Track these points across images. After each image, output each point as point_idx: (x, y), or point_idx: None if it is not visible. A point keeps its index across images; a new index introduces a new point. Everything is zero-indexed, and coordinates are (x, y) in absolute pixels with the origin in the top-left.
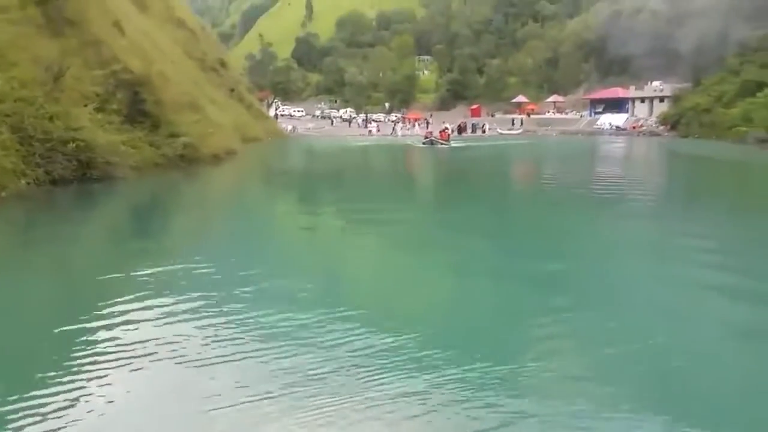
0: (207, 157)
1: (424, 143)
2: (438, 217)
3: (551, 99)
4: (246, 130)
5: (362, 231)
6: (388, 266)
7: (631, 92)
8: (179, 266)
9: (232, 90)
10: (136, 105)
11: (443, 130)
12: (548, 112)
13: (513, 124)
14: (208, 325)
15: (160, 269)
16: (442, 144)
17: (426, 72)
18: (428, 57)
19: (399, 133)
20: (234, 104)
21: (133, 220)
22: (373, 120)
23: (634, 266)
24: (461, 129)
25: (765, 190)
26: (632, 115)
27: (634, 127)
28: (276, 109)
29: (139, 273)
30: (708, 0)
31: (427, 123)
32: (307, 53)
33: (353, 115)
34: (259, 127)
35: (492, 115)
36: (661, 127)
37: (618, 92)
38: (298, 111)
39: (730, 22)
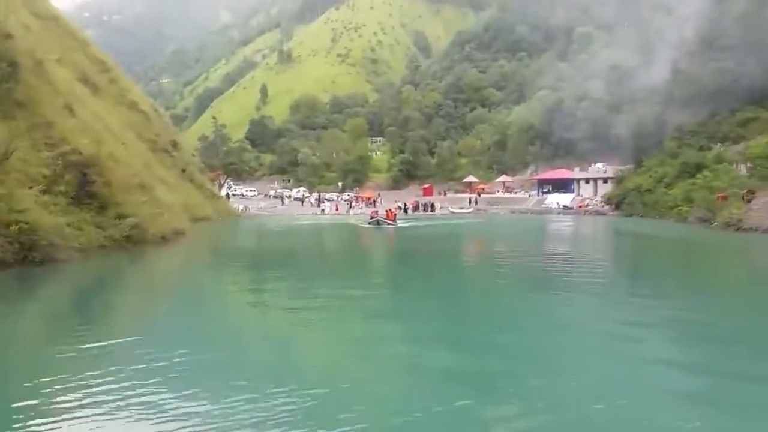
0: (154, 238)
1: (369, 223)
2: (381, 296)
3: (500, 179)
4: (196, 210)
5: (305, 311)
6: (329, 345)
7: (576, 173)
8: (114, 349)
9: (183, 170)
10: (84, 186)
11: (389, 210)
12: (498, 191)
13: (470, 203)
14: (138, 407)
15: (91, 351)
16: (388, 224)
17: (378, 153)
18: (381, 138)
19: (352, 211)
20: (184, 184)
21: (71, 304)
22: (326, 199)
23: (574, 342)
24: (415, 207)
25: (705, 267)
26: (578, 194)
27: (580, 207)
28: (228, 189)
29: (68, 355)
30: (645, 87)
31: (374, 202)
32: (261, 134)
33: (306, 194)
34: (210, 207)
35: (443, 194)
36: (606, 207)
37: (564, 173)
38: (251, 191)
39: (667, 108)
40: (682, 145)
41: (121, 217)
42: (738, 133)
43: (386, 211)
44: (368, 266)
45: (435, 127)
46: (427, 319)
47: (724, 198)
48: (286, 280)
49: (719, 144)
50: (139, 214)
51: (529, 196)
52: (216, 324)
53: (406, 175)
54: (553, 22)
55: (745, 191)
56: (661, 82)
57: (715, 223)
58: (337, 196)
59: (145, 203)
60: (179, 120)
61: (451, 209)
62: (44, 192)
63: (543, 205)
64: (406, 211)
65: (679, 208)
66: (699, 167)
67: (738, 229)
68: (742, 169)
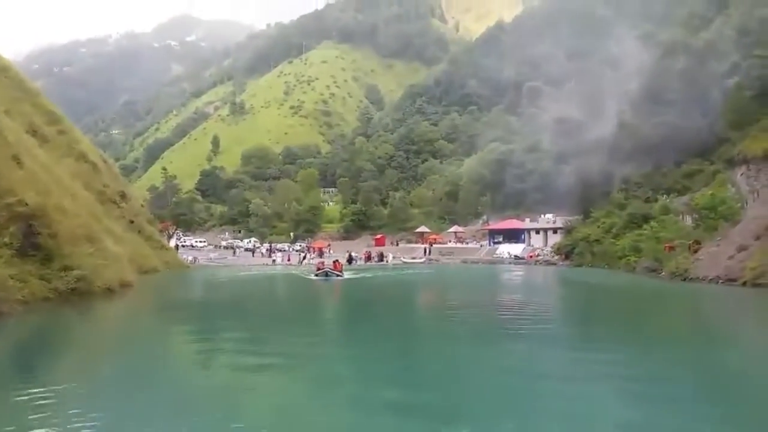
0: (101, 291)
1: (317, 275)
2: (326, 351)
3: (452, 229)
4: (144, 261)
5: (251, 362)
6: (272, 400)
7: (527, 224)
8: (52, 406)
9: (132, 221)
10: (30, 238)
11: (336, 261)
12: (450, 241)
13: (424, 252)
14: None
15: (29, 404)
16: (336, 275)
17: (331, 203)
18: (333, 189)
19: (305, 262)
20: (132, 236)
21: (8, 359)
22: (278, 249)
23: (508, 387)
24: (367, 257)
25: (651, 317)
26: (529, 245)
27: (531, 257)
28: (177, 240)
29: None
30: (592, 140)
31: (322, 253)
32: (212, 185)
33: (257, 245)
34: (158, 259)
35: (396, 245)
36: (557, 257)
37: (514, 224)
38: (201, 241)
39: (613, 160)
40: (629, 196)
41: (66, 269)
42: (683, 184)
43: (334, 262)
44: (314, 319)
45: (387, 177)
46: (373, 366)
47: (671, 248)
48: (231, 333)
49: (665, 195)
50: (86, 266)
51: (481, 246)
52: (163, 380)
53: (359, 225)
54: (502, 76)
55: (691, 242)
56: (607, 134)
57: (663, 273)
58: (289, 247)
59: (91, 255)
60: (129, 171)
61: (404, 259)
62: None
63: (494, 255)
64: (350, 261)
65: (628, 258)
66: (646, 218)
67: (685, 279)
68: (688, 220)
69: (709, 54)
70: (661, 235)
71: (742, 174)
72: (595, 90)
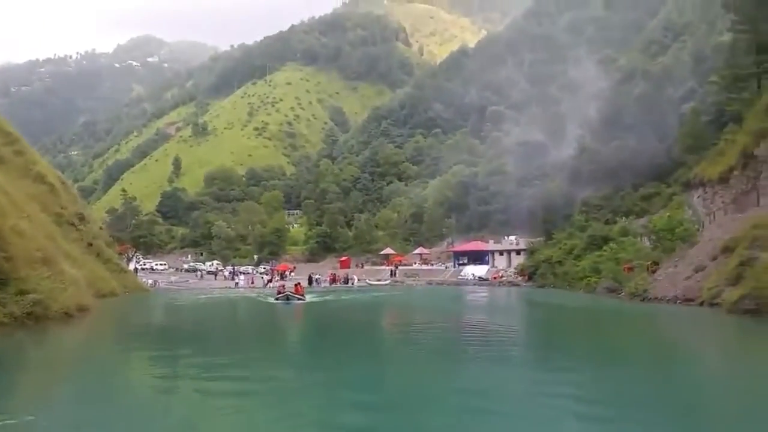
0: (58, 315)
1: (277, 299)
2: (288, 373)
3: (417, 251)
4: (102, 285)
5: (211, 388)
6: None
7: (491, 245)
8: None
9: (90, 244)
10: None
11: (298, 284)
12: (415, 263)
13: (391, 274)
14: None
15: None
16: (298, 299)
17: (295, 225)
18: (298, 211)
19: (269, 285)
20: (91, 259)
21: None
22: (241, 272)
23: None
24: (333, 280)
25: (610, 337)
26: (493, 266)
27: (495, 278)
28: (137, 263)
29: None
30: (553, 163)
31: (282, 276)
32: (173, 207)
33: (220, 267)
34: (117, 282)
35: (361, 267)
36: (520, 278)
37: (479, 245)
38: (161, 264)
39: (574, 183)
40: (590, 218)
41: (22, 293)
42: (641, 207)
43: (295, 285)
44: (274, 344)
45: (352, 199)
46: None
47: (630, 269)
48: (190, 359)
49: (624, 218)
50: (42, 290)
51: (446, 267)
52: (119, 408)
53: (324, 247)
54: (466, 100)
55: (649, 263)
56: (568, 157)
57: (622, 294)
58: (253, 270)
59: (48, 278)
60: (88, 193)
61: (369, 281)
62: None
63: (459, 277)
64: (310, 283)
65: (588, 279)
66: (606, 240)
67: (644, 299)
68: (646, 242)
69: (666, 80)
70: (621, 256)
71: (698, 197)
72: (556, 114)
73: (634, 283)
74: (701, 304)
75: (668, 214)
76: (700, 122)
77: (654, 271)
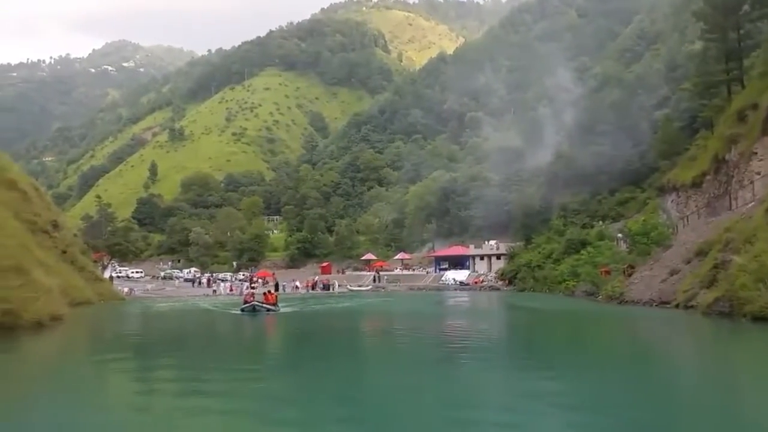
0: (29, 324)
1: (243, 309)
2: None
3: (399, 256)
4: (76, 293)
5: (191, 401)
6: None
7: (471, 250)
8: None
9: (64, 252)
10: None
11: (267, 293)
12: (396, 268)
13: (374, 280)
14: None
15: None
16: (268, 309)
17: (275, 231)
18: (277, 217)
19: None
20: (65, 267)
21: None
22: (220, 279)
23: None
24: (313, 286)
25: (587, 339)
26: (474, 271)
27: (476, 282)
28: (112, 271)
29: None
30: (531, 168)
31: (251, 282)
32: (149, 213)
33: (197, 274)
34: (91, 290)
35: (342, 272)
36: (500, 282)
37: (460, 250)
38: (137, 272)
39: (552, 188)
40: (568, 223)
41: None
42: (617, 211)
43: (265, 294)
44: (253, 355)
45: (333, 205)
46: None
47: (607, 273)
48: (163, 371)
49: (601, 222)
50: (13, 299)
51: (427, 272)
52: (93, 424)
53: (304, 253)
54: (445, 106)
55: (625, 266)
56: (545, 163)
57: (600, 297)
58: (232, 276)
59: (20, 287)
60: (62, 199)
61: (350, 287)
62: None
63: (440, 282)
64: (276, 288)
65: (567, 282)
66: (583, 244)
67: (621, 302)
68: (623, 246)
69: (640, 87)
70: (598, 260)
71: (672, 201)
72: (533, 120)
73: (611, 286)
74: (677, 306)
75: (643, 218)
76: (673, 128)
77: (630, 275)
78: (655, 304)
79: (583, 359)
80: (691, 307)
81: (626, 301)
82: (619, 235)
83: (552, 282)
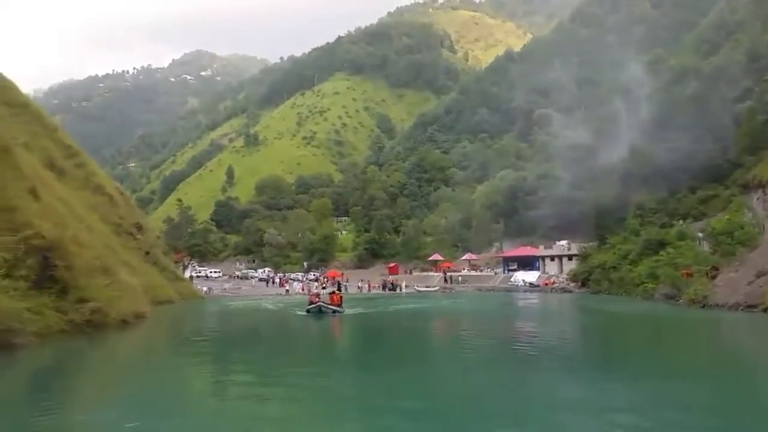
0: (116, 322)
1: (309, 310)
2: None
3: (466, 257)
4: (159, 292)
5: (269, 398)
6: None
7: (541, 251)
8: None
9: (147, 253)
10: (46, 270)
11: (333, 293)
12: (464, 269)
13: (445, 281)
14: None
15: None
16: (334, 311)
17: (344, 232)
18: (346, 218)
19: (324, 292)
20: (148, 267)
21: (25, 391)
22: (292, 279)
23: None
24: (384, 286)
25: (672, 348)
26: (544, 272)
27: (546, 284)
28: (192, 271)
29: None
30: (604, 166)
31: (317, 280)
32: (226, 216)
33: (271, 274)
34: (173, 290)
35: (410, 273)
36: (572, 284)
37: (529, 250)
38: (215, 272)
39: (627, 186)
40: (645, 222)
41: (82, 301)
42: (699, 210)
43: (330, 294)
44: (325, 354)
45: (399, 206)
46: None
47: (689, 275)
48: (243, 365)
49: (681, 221)
50: (101, 298)
51: (495, 273)
52: (177, 412)
53: (372, 254)
54: (513, 104)
55: (709, 267)
56: (619, 160)
57: (681, 300)
58: (303, 276)
59: (107, 287)
60: (145, 203)
61: (417, 288)
62: (5, 276)
63: (509, 283)
64: (339, 288)
65: (645, 284)
66: (662, 244)
67: (704, 306)
68: (705, 246)
69: (719, 79)
70: (678, 261)
71: (758, 198)
72: (605, 116)
73: (693, 289)
74: (765, 310)
75: (727, 217)
76: (757, 122)
77: (714, 277)
78: (741, 308)
79: (666, 369)
80: None
81: (710, 305)
82: (700, 234)
83: (629, 284)
